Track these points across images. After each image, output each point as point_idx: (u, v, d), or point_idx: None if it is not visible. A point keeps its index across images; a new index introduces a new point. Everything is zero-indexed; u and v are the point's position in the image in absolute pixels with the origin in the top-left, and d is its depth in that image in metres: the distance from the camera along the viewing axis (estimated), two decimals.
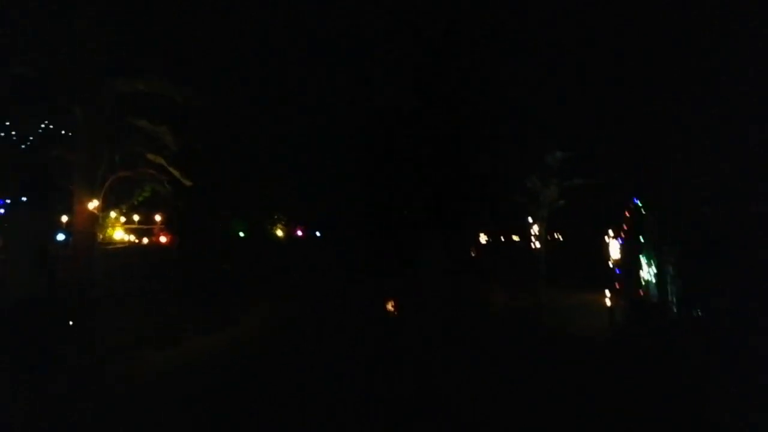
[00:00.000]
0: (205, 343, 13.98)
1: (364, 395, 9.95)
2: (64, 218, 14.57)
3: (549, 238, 24.10)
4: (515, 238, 36.99)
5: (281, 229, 28.26)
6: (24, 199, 19.05)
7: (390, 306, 19.25)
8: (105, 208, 14.68)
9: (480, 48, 23.13)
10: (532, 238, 23.05)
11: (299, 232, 30.38)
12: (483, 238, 41.00)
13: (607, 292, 18.36)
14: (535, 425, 8.26)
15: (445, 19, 24.44)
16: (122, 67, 14.74)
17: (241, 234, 24.77)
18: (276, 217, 27.91)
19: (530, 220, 22.75)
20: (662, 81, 16.38)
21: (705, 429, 7.94)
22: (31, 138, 20.14)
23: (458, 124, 25.22)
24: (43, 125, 19.04)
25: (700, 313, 13.46)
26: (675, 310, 15.36)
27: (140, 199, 15.99)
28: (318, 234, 31.35)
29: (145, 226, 16.28)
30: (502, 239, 39.44)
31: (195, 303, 16.58)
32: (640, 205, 18.88)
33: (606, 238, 21.95)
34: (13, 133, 20.90)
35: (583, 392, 9.85)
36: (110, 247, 14.90)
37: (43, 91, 15.40)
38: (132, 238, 15.98)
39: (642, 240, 18.96)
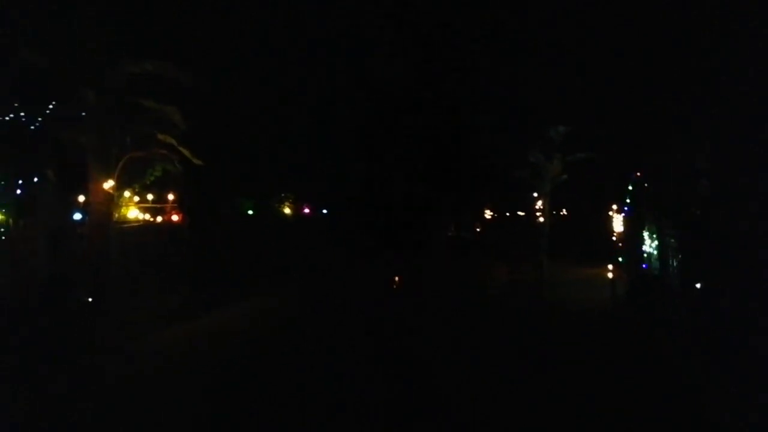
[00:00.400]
0: (216, 318, 14.54)
1: (370, 365, 10.58)
2: (81, 198, 15.15)
3: (553, 212, 24.55)
4: (520, 213, 37.37)
5: (289, 207, 28.78)
6: (36, 179, 19.55)
7: (395, 281, 19.83)
8: (119, 187, 15.16)
9: (480, 24, 23.31)
10: (537, 213, 23.50)
11: (306, 210, 30.88)
12: (488, 214, 41.53)
13: (610, 266, 18.90)
14: (531, 405, 8.58)
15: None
16: (130, 49, 15.09)
17: (250, 212, 25.32)
18: (283, 195, 28.39)
19: (535, 195, 23.16)
20: (663, 56, 16.63)
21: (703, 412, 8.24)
22: (39, 119, 20.57)
23: (460, 100, 25.50)
24: (51, 106, 19.43)
25: (700, 286, 13.80)
26: (676, 283, 15.79)
27: (152, 178, 16.51)
28: (325, 212, 31.84)
29: (158, 205, 16.84)
30: (507, 214, 39.99)
31: (205, 280, 17.11)
32: (642, 178, 19.26)
33: (609, 211, 22.44)
34: (22, 114, 21.34)
35: (581, 371, 10.27)
36: (125, 225, 15.47)
37: (53, 73, 15.78)
38: (146, 216, 16.57)
39: (644, 213, 19.36)
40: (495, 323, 14.60)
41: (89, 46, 14.80)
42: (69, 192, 15.46)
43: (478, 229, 41.03)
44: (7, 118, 20.83)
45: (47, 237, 14.90)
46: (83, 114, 15.16)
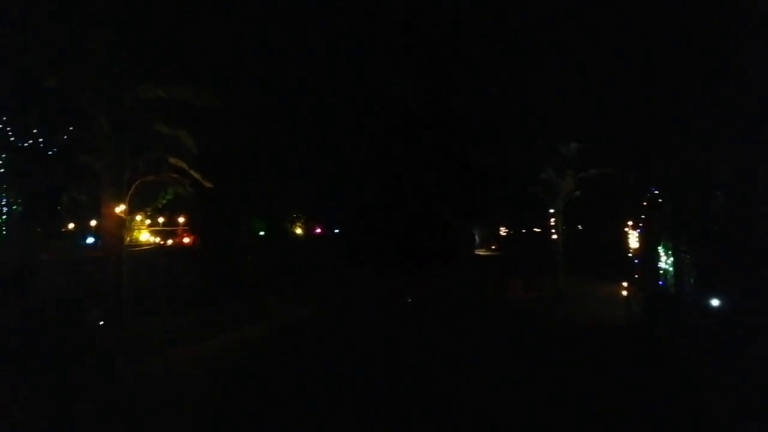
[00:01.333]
0: (228, 338, 14.74)
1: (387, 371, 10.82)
2: (93, 222, 15.65)
3: (568, 228, 24.52)
4: (536, 230, 37.43)
5: (300, 228, 29.17)
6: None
7: (409, 297, 20.01)
8: (131, 211, 15.57)
9: (489, 42, 23.62)
10: (552, 230, 23.48)
11: (318, 230, 31.23)
12: (504, 231, 41.60)
13: (625, 283, 18.83)
14: (537, 418, 8.76)
15: (451, 14, 25.00)
16: (143, 75, 15.64)
17: (261, 233, 25.72)
18: (295, 215, 28.79)
19: (552, 211, 23.17)
20: (675, 65, 16.72)
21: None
22: (57, 145, 21.31)
23: (474, 119, 25.72)
24: (69, 131, 20.13)
25: (715, 303, 13.76)
26: (692, 300, 15.71)
27: (164, 201, 16.97)
28: (337, 231, 32.14)
29: (169, 228, 17.27)
30: (523, 231, 40.00)
31: (217, 301, 17.36)
32: (657, 194, 19.23)
33: (624, 228, 22.36)
34: (41, 140, 22.14)
35: (595, 383, 10.35)
36: (137, 248, 15.89)
37: (69, 101, 16.41)
38: (157, 239, 17.01)
39: (659, 229, 19.30)
40: (509, 336, 14.71)
41: (104, 73, 15.40)
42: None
43: (494, 246, 41.14)
44: (26, 144, 21.69)
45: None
46: (97, 139, 15.72)
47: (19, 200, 18.32)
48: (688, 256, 16.35)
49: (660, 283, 18.83)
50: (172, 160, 16.01)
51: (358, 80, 27.63)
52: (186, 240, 17.49)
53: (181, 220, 17.38)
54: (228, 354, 13.08)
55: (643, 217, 20.68)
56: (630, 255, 21.68)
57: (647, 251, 20.22)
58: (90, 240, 15.87)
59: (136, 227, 16.29)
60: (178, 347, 13.15)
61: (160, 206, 17.11)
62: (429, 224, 29.12)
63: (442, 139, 28.01)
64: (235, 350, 13.44)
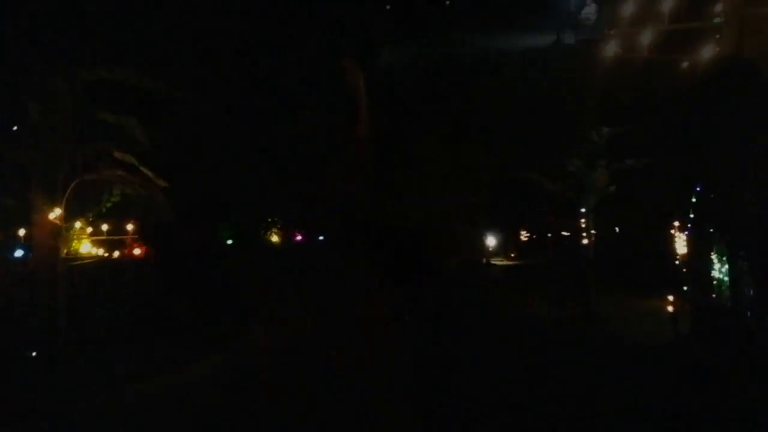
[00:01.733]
0: (188, 375, 14.49)
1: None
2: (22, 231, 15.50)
3: (602, 231, 24.38)
4: (564, 233, 37.27)
5: (276, 235, 29.08)
6: None
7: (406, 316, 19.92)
8: (69, 218, 15.43)
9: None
10: (583, 233, 23.35)
11: (299, 237, 31.13)
12: (524, 235, 41.54)
13: (670, 296, 18.66)
14: None
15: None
16: (81, 55, 15.46)
17: (229, 241, 25.59)
18: (270, 221, 28.69)
19: (582, 210, 23.03)
20: None
21: None
22: None
23: (482, 99, 25.70)
24: None
25: None
26: (751, 316, 15.58)
27: (108, 205, 16.81)
28: (321, 238, 31.97)
29: (115, 237, 17.09)
30: (549, 235, 39.90)
31: (174, 327, 17.09)
32: (708, 188, 19.06)
33: (670, 230, 22.19)
34: None
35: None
36: (77, 263, 15.74)
37: None
38: (101, 251, 16.85)
39: (712, 232, 19.13)
40: (531, 363, 14.50)
41: (33, 52, 15.21)
42: None
43: (513, 254, 41.13)
44: None
45: None
46: (26, 130, 15.59)
47: None
48: (746, 264, 16.21)
49: (713, 296, 18.67)
50: (118, 154, 15.84)
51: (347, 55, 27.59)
52: (137, 251, 17.31)
53: (129, 227, 17.15)
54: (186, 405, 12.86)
55: (692, 216, 20.48)
56: (677, 262, 21.51)
57: (696, 258, 20.05)
58: (19, 252, 15.74)
59: (75, 236, 16.15)
60: (123, 389, 12.90)
61: (104, 210, 16.96)
62: (431, 232, 29.03)
63: (447, 122, 27.97)
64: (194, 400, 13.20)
